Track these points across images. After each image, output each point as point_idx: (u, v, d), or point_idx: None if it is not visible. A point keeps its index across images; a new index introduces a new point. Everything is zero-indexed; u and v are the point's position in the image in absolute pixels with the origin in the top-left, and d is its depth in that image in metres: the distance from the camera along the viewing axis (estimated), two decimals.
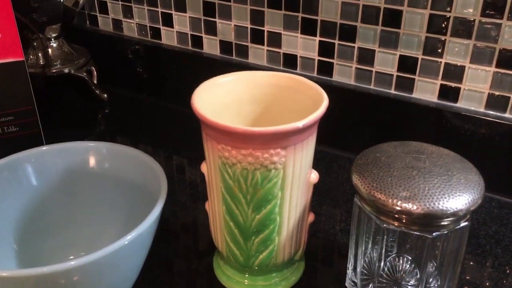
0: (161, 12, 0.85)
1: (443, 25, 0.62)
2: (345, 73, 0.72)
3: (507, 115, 0.63)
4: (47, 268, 0.37)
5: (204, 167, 0.49)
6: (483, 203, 0.64)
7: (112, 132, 0.83)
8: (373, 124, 0.71)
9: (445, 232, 0.43)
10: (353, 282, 0.52)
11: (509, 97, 0.62)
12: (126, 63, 0.92)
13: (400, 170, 0.44)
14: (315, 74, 0.74)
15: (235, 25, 0.78)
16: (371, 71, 0.70)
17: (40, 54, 0.82)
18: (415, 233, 0.43)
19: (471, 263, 0.55)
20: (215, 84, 0.49)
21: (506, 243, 0.58)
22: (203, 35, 0.82)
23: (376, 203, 0.43)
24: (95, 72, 0.89)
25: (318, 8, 0.69)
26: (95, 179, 0.54)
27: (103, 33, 0.94)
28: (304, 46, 0.73)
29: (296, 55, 0.75)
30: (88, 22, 0.96)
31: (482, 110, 0.64)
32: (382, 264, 0.49)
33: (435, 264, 0.50)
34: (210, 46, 0.83)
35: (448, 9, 0.61)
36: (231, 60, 0.81)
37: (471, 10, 0.60)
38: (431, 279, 0.50)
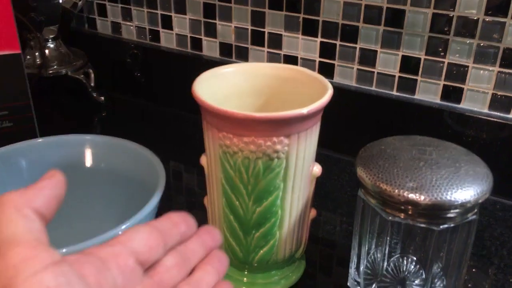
0: (161, 14, 0.84)
1: (446, 25, 0.62)
2: (346, 75, 0.71)
3: (511, 116, 0.62)
4: None
5: (203, 160, 0.47)
6: (487, 205, 0.63)
7: (109, 135, 0.81)
8: (374, 126, 0.70)
9: (452, 225, 0.42)
10: (356, 281, 0.50)
11: None
12: (124, 67, 0.91)
13: (407, 161, 0.43)
14: None
15: (235, 27, 0.77)
16: (373, 72, 0.69)
17: (37, 54, 0.81)
18: (422, 225, 0.42)
19: (477, 264, 0.54)
20: (216, 74, 0.48)
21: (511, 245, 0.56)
22: (202, 37, 0.82)
23: (382, 194, 0.41)
24: (93, 75, 0.88)
25: (320, 8, 0.69)
26: (91, 173, 0.52)
27: (101, 36, 0.93)
28: (305, 47, 0.73)
29: (297, 57, 0.74)
30: (86, 25, 0.95)
31: (485, 111, 0.63)
32: (385, 264, 0.47)
33: (441, 264, 0.48)
34: (210, 49, 0.82)
35: (452, 8, 0.61)
36: (230, 62, 0.80)
37: (474, 9, 0.60)
38: (436, 280, 0.49)
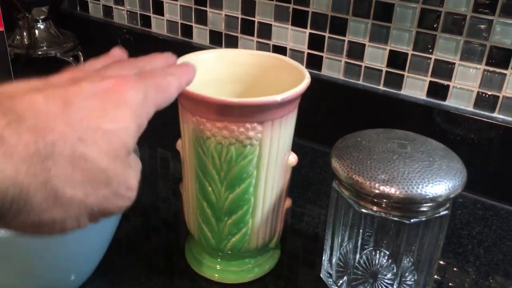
0: None
1: (435, 20, 0.61)
2: (334, 67, 0.71)
3: (495, 114, 0.62)
4: None
5: (179, 144, 0.47)
6: (468, 204, 0.62)
7: None
8: (361, 120, 0.70)
9: (424, 219, 0.42)
10: (329, 273, 0.50)
11: (498, 97, 0.61)
12: None
13: (381, 153, 0.42)
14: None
15: (225, 15, 0.77)
16: (361, 66, 0.68)
17: (25, 33, 0.81)
18: (394, 218, 0.41)
19: (452, 261, 0.54)
20: (194, 59, 0.47)
21: (489, 244, 0.56)
22: (193, 24, 0.81)
23: (355, 186, 0.41)
24: (82, 58, 0.87)
25: None
26: None
27: (93, 19, 0.92)
28: (294, 38, 0.72)
29: (286, 47, 0.73)
30: (78, 8, 0.94)
31: (470, 109, 0.63)
32: (357, 256, 0.47)
33: (412, 259, 0.48)
34: (200, 36, 0.81)
35: (440, 4, 0.60)
36: None
37: (463, 6, 0.59)
38: (407, 274, 0.48)
